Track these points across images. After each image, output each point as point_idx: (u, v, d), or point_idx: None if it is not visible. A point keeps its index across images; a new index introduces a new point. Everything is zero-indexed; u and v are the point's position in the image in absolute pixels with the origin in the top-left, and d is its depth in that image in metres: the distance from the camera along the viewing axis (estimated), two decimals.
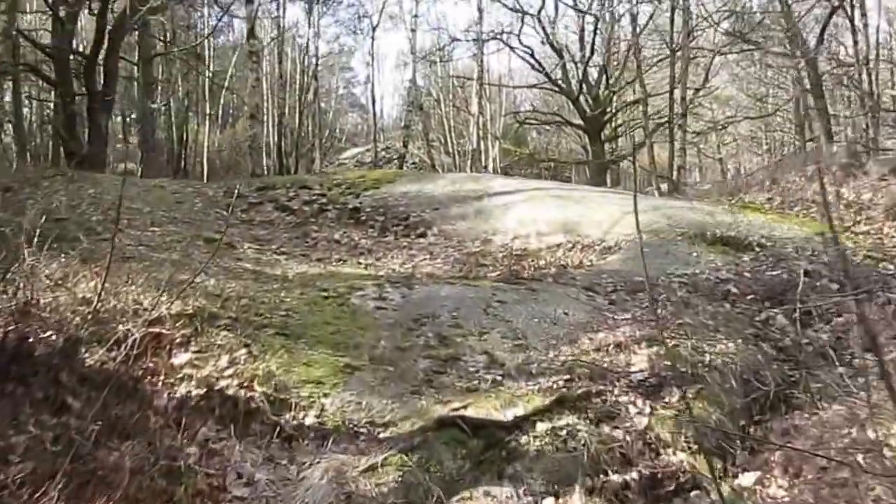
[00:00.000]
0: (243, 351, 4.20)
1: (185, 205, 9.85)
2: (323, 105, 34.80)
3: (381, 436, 3.72)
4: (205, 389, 3.86)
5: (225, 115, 30.34)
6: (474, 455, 3.64)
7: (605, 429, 3.91)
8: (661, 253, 7.32)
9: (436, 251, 8.39)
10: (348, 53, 40.29)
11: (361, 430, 3.75)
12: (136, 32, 18.60)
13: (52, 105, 19.86)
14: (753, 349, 5.07)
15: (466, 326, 5.06)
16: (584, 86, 24.51)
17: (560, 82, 25.32)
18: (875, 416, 3.60)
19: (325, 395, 3.93)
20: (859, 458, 3.52)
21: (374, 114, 32.36)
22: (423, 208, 9.86)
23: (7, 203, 7.71)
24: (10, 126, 20.87)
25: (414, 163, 32.49)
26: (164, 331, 4.29)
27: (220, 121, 29.20)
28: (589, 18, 24.99)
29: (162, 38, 23.30)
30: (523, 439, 3.74)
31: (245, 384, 3.92)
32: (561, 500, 3.43)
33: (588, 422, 3.93)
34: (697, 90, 22.69)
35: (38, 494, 2.90)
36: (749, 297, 6.07)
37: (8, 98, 19.99)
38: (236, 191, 10.45)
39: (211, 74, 28.29)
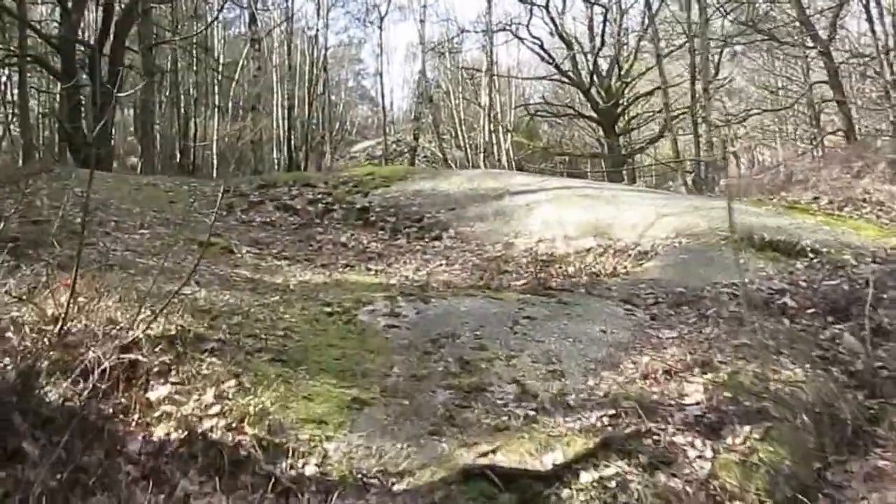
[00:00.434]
0: (232, 383, 3.69)
1: (179, 204, 9.40)
2: (333, 98, 34.64)
3: (396, 488, 3.21)
4: (186, 432, 3.35)
5: (235, 108, 30.10)
6: None
7: (661, 477, 3.38)
8: (703, 259, 6.77)
9: (452, 256, 7.89)
10: (358, 45, 40.61)
11: (372, 480, 3.24)
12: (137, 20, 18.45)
13: (58, 97, 19.71)
14: (823, 375, 4.53)
15: (492, 348, 4.55)
16: (595, 77, 24.75)
17: (570, 74, 25.65)
18: None
19: (329, 439, 3.41)
20: None
21: (384, 106, 32.20)
22: (438, 208, 9.36)
23: None
24: (16, 119, 20.82)
25: (426, 156, 32.49)
26: (140, 357, 3.78)
27: (231, 114, 28.93)
28: (598, 9, 25.46)
29: (168, 28, 23.16)
30: (565, 493, 3.22)
31: (234, 425, 3.41)
32: None
33: (640, 469, 3.40)
34: (710, 82, 22.28)
35: None
36: (809, 312, 5.52)
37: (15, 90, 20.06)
38: (221, 190, 9.97)
39: (219, 66, 28.15)
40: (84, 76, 15.71)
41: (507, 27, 26.53)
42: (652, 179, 28.95)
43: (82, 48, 16.66)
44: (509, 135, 29.44)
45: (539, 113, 30.40)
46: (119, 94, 15.47)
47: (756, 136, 30.13)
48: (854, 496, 3.61)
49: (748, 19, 20.13)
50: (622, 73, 25.19)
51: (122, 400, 3.58)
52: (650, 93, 25.44)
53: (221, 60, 29.32)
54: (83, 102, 16.37)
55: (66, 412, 3.34)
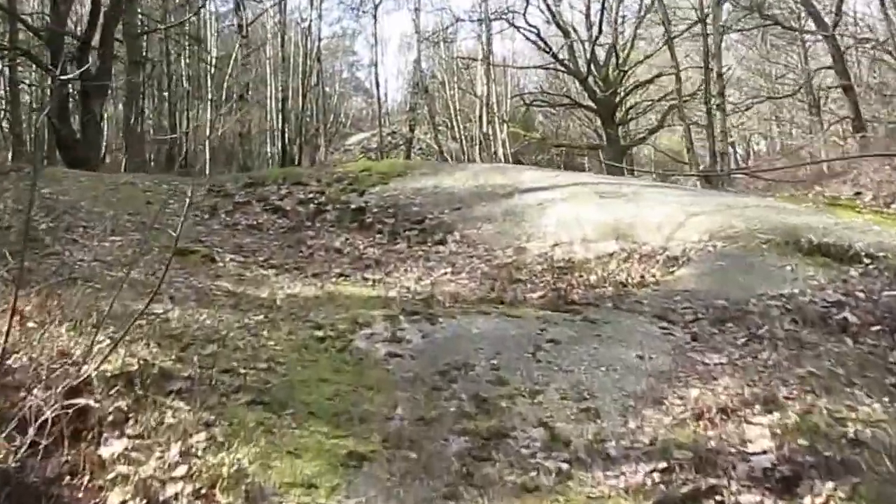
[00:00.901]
0: (202, 436, 3.13)
1: (157, 206, 8.82)
2: (327, 90, 34.43)
3: None
4: (145, 501, 2.80)
5: (229, 101, 29.73)
6: None
7: None
8: (743, 266, 6.20)
9: (459, 263, 7.33)
10: (351, 37, 40.52)
11: None
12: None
13: (48, 91, 19.43)
14: None
15: (512, 381, 4.00)
16: (592, 66, 24.83)
17: (567, 63, 25.82)
18: None
19: None
20: None
21: (379, 97, 31.86)
22: (442, 208, 8.79)
23: None
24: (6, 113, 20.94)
25: (421, 148, 32.22)
26: (91, 402, 3.24)
27: (226, 107, 28.55)
28: None
29: (158, 20, 22.86)
30: None
31: (203, 491, 2.86)
32: None
33: None
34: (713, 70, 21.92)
35: None
36: (874, 329, 4.97)
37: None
38: (190, 190, 9.42)
39: (211, 59, 27.78)
40: (72, 68, 15.38)
41: (503, 16, 26.75)
42: (651, 175, 28.46)
43: (72, 41, 16.44)
44: (505, 125, 29.11)
45: (535, 102, 30.37)
46: (102, 83, 15.08)
47: (751, 125, 29.88)
48: None
49: (752, 4, 19.78)
50: (620, 61, 25.13)
51: (69, 458, 3.04)
52: (650, 80, 25.42)
53: (214, 54, 28.92)
54: (73, 96, 16.08)
55: None
